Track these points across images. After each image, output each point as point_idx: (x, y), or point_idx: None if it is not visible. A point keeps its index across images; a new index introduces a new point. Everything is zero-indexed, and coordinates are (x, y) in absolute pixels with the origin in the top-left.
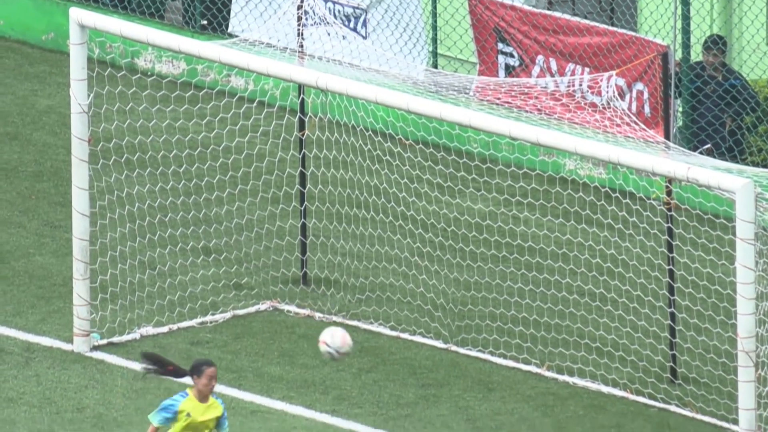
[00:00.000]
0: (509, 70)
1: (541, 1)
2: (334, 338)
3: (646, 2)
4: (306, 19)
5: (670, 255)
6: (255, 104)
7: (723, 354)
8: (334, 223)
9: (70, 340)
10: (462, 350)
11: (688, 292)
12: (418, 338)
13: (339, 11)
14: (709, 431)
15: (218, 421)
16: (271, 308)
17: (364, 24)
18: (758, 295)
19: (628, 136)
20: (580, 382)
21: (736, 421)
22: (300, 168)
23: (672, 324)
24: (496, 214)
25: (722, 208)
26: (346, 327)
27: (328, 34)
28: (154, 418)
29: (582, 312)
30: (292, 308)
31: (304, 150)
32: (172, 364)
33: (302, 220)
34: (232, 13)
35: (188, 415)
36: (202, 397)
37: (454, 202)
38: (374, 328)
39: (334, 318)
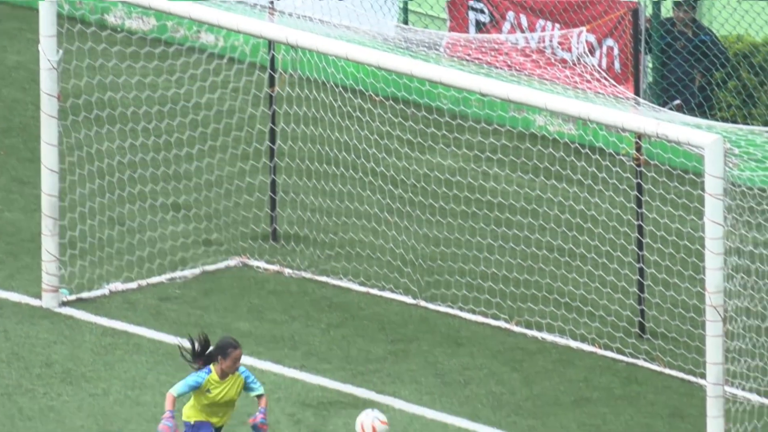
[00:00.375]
0: (480, 27)
1: None
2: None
3: None
4: None
5: (639, 210)
6: (225, 60)
7: (691, 309)
8: (303, 179)
9: (38, 296)
10: (431, 305)
11: (657, 247)
12: (387, 294)
13: None
14: (677, 385)
15: (246, 387)
16: (240, 264)
17: None
18: (726, 250)
19: (598, 92)
20: (549, 337)
21: (703, 375)
22: (270, 124)
23: (640, 279)
24: (466, 170)
25: (691, 163)
26: (315, 282)
27: None
28: (176, 390)
29: (551, 267)
30: (262, 264)
31: (274, 106)
32: (204, 356)
33: (272, 176)
34: None
35: (208, 391)
36: (224, 375)
37: (424, 158)
38: (343, 283)
39: (304, 274)
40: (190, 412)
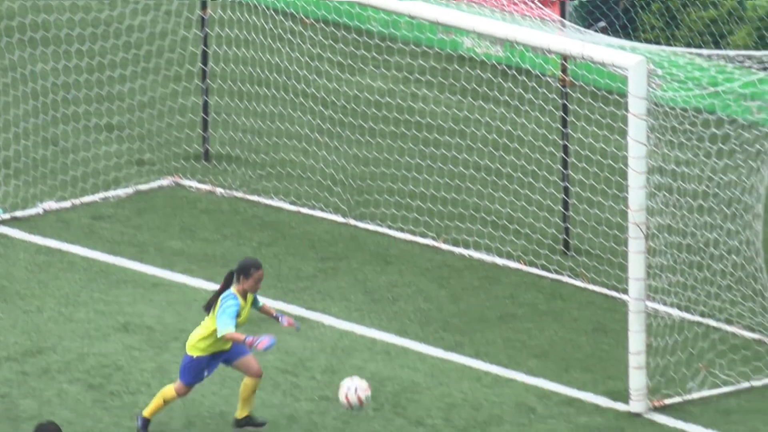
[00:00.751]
0: None
1: None
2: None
3: None
4: None
5: (565, 130)
6: None
7: (614, 226)
8: (235, 101)
9: None
10: (360, 224)
11: (582, 167)
12: (317, 213)
13: None
14: (600, 301)
15: (253, 303)
16: (173, 184)
17: None
18: (649, 169)
19: (525, 15)
20: (476, 255)
21: (626, 291)
22: (202, 46)
23: (565, 197)
24: (395, 91)
25: (615, 84)
26: (247, 202)
27: None
28: (230, 325)
29: (478, 186)
30: (194, 184)
31: (206, 29)
32: (224, 279)
33: (204, 97)
34: None
35: (238, 315)
36: (244, 295)
37: (354, 79)
38: (274, 203)
39: (235, 193)
40: (202, 345)
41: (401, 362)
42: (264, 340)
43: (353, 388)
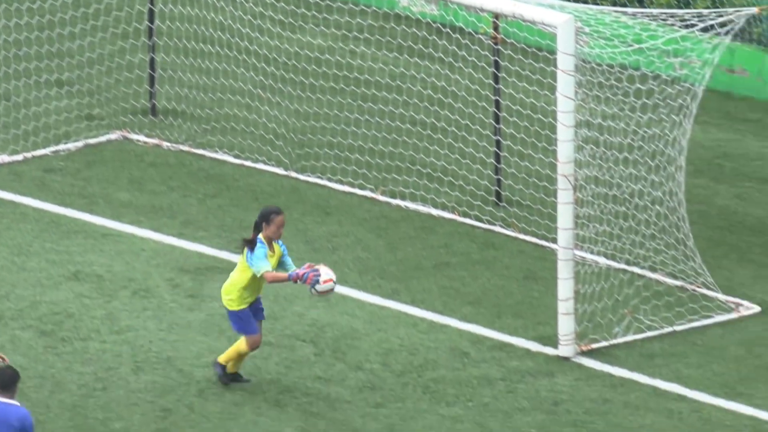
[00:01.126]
0: None
1: None
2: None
3: None
4: None
5: (496, 86)
6: None
7: (544, 178)
8: (181, 57)
9: None
10: (301, 176)
11: (513, 121)
12: (260, 165)
13: None
14: (531, 250)
15: (281, 261)
16: (121, 138)
17: None
18: (577, 123)
19: None
20: (412, 206)
21: (555, 240)
22: (149, 5)
23: (497, 151)
24: (335, 48)
25: (545, 41)
26: (193, 155)
27: None
28: (264, 266)
29: (414, 140)
30: (142, 138)
31: None
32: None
33: (151, 54)
34: None
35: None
36: (269, 242)
37: (295, 37)
38: (219, 156)
39: (181, 147)
40: (234, 303)
41: (341, 309)
42: (309, 271)
43: (325, 274)
